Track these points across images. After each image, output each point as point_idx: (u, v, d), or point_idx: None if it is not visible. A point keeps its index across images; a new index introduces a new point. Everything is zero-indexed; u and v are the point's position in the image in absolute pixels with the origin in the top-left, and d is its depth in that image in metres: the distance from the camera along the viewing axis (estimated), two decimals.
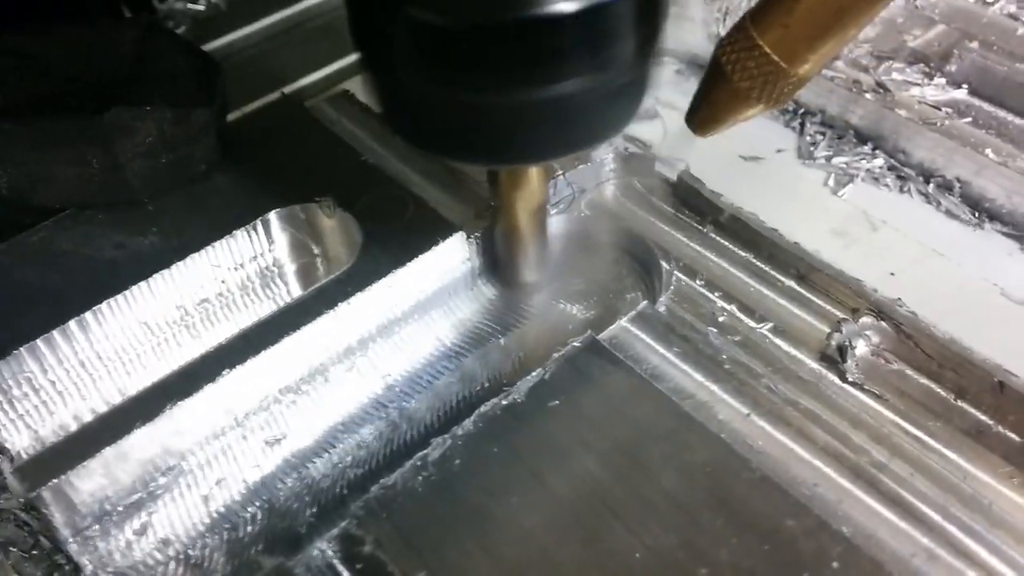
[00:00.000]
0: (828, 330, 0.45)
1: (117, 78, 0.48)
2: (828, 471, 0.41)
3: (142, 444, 0.40)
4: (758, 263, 0.49)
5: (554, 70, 0.34)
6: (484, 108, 0.36)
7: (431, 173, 0.52)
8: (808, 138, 0.57)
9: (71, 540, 0.40)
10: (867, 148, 0.56)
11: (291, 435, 0.44)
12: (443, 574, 0.38)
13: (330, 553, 0.39)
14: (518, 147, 0.38)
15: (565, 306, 0.49)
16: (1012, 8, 0.62)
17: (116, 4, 0.66)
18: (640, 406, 0.43)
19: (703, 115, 0.43)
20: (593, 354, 0.45)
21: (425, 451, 0.41)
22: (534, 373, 0.44)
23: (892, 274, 0.48)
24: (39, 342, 0.43)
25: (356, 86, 0.59)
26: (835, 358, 0.45)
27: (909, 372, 0.44)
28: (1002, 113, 0.56)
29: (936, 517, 0.39)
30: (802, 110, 0.59)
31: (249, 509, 0.41)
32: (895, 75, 0.58)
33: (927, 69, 0.59)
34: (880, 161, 0.55)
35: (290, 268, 0.51)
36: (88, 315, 0.44)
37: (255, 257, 0.49)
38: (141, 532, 0.40)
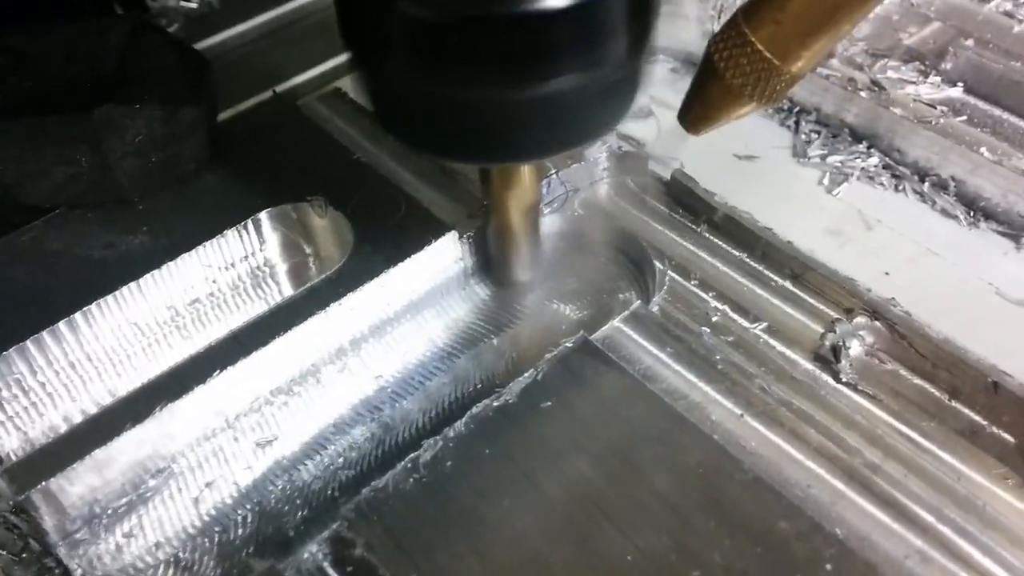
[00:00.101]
0: (822, 330, 0.45)
1: (106, 76, 0.48)
2: (821, 472, 0.41)
3: (132, 446, 0.40)
4: (752, 263, 0.49)
5: (544, 66, 0.34)
6: (475, 105, 0.35)
7: (423, 172, 0.52)
8: (803, 136, 0.57)
9: (60, 543, 0.39)
10: (862, 147, 0.56)
11: (282, 437, 0.43)
12: None
13: (321, 556, 0.38)
14: (509, 145, 0.38)
15: (558, 306, 0.48)
16: (1008, 6, 0.62)
17: (108, 2, 0.65)
18: (633, 407, 0.42)
19: (696, 113, 0.43)
20: (586, 355, 0.45)
21: (416, 453, 0.41)
22: (526, 374, 0.44)
23: (887, 273, 0.48)
24: (28, 343, 0.42)
25: (348, 84, 0.59)
26: (829, 358, 0.45)
27: (903, 372, 0.44)
28: (997, 111, 0.56)
29: (930, 519, 0.39)
30: (797, 108, 0.59)
31: (240, 512, 0.41)
32: (890, 73, 0.58)
33: (922, 67, 0.58)
34: (875, 160, 0.55)
35: (281, 268, 0.50)
36: (78, 316, 0.44)
37: (246, 257, 0.49)
38: (131, 535, 0.40)
